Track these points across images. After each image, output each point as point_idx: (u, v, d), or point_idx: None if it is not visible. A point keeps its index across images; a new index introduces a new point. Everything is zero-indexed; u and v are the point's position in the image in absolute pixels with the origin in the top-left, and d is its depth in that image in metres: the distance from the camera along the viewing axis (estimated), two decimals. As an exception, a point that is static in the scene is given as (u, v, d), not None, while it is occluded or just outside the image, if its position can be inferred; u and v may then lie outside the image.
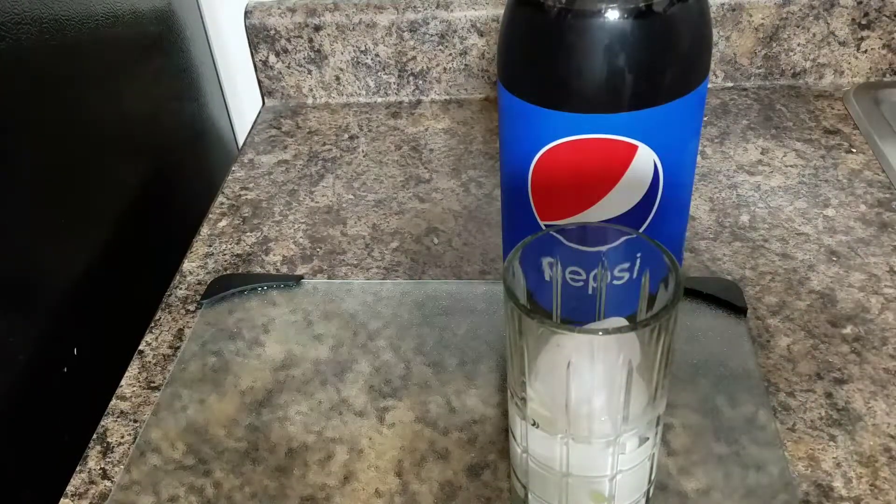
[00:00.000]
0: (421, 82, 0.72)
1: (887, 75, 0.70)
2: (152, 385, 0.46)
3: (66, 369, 0.48)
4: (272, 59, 0.72)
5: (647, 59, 0.32)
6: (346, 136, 0.69)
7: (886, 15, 0.67)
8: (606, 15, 0.31)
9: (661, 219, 0.37)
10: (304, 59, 0.72)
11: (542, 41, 0.33)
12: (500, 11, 0.68)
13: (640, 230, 0.36)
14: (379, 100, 0.74)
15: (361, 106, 0.73)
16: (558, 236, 0.32)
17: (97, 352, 0.51)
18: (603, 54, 0.32)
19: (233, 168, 0.66)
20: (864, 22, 0.67)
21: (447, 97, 0.73)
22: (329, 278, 0.53)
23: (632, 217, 0.36)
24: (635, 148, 0.34)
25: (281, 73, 0.73)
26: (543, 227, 0.36)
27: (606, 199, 0.35)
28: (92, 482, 0.41)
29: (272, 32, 0.71)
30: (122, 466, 0.42)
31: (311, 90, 0.74)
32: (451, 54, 0.71)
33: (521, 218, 0.38)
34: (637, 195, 0.36)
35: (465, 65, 0.71)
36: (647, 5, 0.31)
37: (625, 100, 0.33)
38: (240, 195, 0.62)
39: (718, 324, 0.47)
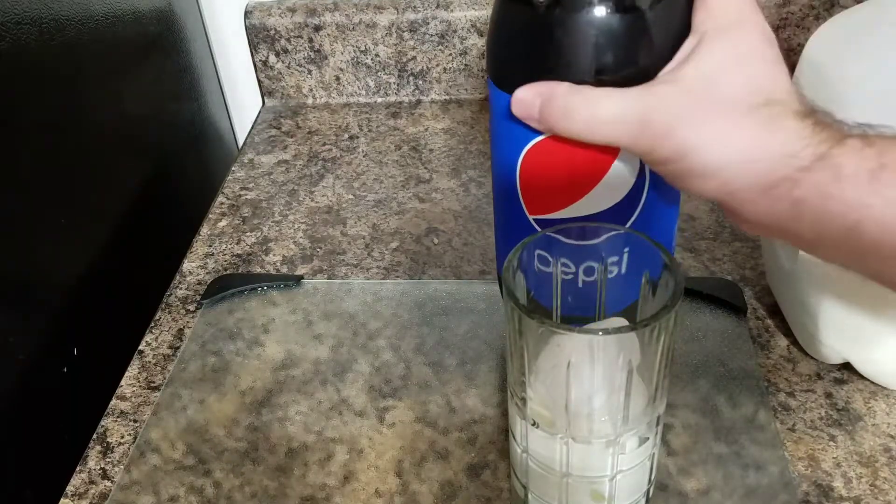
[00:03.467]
0: (421, 82, 0.72)
1: (887, 75, 0.70)
2: (152, 385, 0.46)
3: (66, 369, 0.48)
4: (272, 59, 0.72)
5: (634, 55, 0.32)
6: (346, 136, 0.69)
7: (886, 15, 0.66)
8: (593, 10, 0.31)
9: (649, 212, 0.36)
10: (304, 59, 0.72)
11: (529, 36, 0.33)
12: (500, 11, 0.68)
13: (628, 224, 0.36)
14: (379, 100, 0.74)
15: (361, 106, 0.73)
16: (557, 236, 0.32)
17: (97, 352, 0.51)
18: (589, 50, 0.32)
19: (233, 168, 0.66)
20: (864, 22, 0.67)
21: (447, 97, 0.73)
22: (329, 278, 0.53)
23: (619, 210, 0.36)
24: None
25: (281, 73, 0.73)
26: (532, 222, 0.36)
27: (593, 193, 0.35)
28: (92, 482, 0.41)
29: (272, 32, 0.71)
30: (122, 466, 0.42)
31: (311, 90, 0.74)
32: (451, 54, 0.71)
33: (510, 212, 0.38)
34: (623, 189, 0.35)
35: (465, 65, 0.71)
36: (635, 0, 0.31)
37: None
38: (240, 195, 0.62)
39: (718, 324, 0.47)
